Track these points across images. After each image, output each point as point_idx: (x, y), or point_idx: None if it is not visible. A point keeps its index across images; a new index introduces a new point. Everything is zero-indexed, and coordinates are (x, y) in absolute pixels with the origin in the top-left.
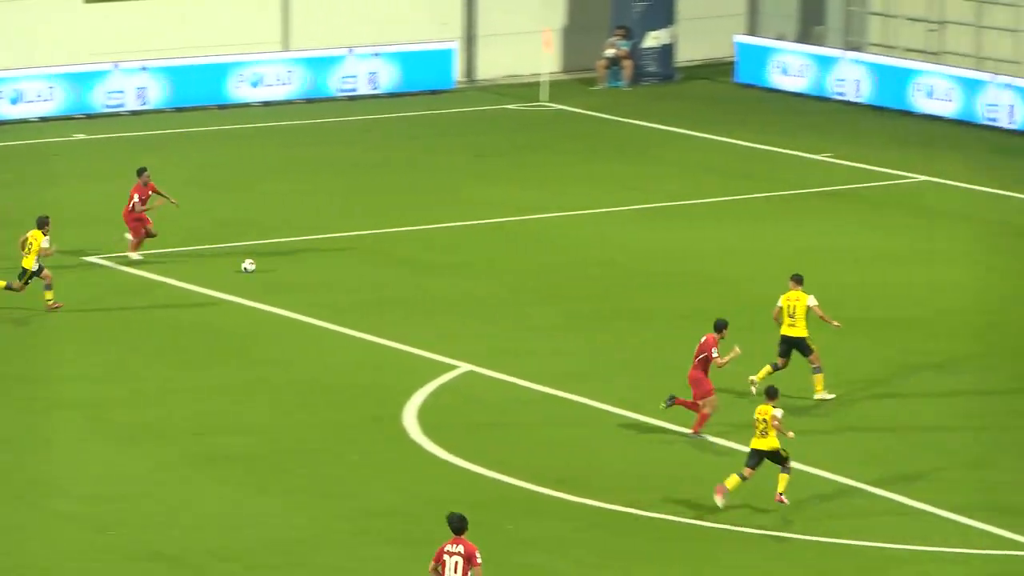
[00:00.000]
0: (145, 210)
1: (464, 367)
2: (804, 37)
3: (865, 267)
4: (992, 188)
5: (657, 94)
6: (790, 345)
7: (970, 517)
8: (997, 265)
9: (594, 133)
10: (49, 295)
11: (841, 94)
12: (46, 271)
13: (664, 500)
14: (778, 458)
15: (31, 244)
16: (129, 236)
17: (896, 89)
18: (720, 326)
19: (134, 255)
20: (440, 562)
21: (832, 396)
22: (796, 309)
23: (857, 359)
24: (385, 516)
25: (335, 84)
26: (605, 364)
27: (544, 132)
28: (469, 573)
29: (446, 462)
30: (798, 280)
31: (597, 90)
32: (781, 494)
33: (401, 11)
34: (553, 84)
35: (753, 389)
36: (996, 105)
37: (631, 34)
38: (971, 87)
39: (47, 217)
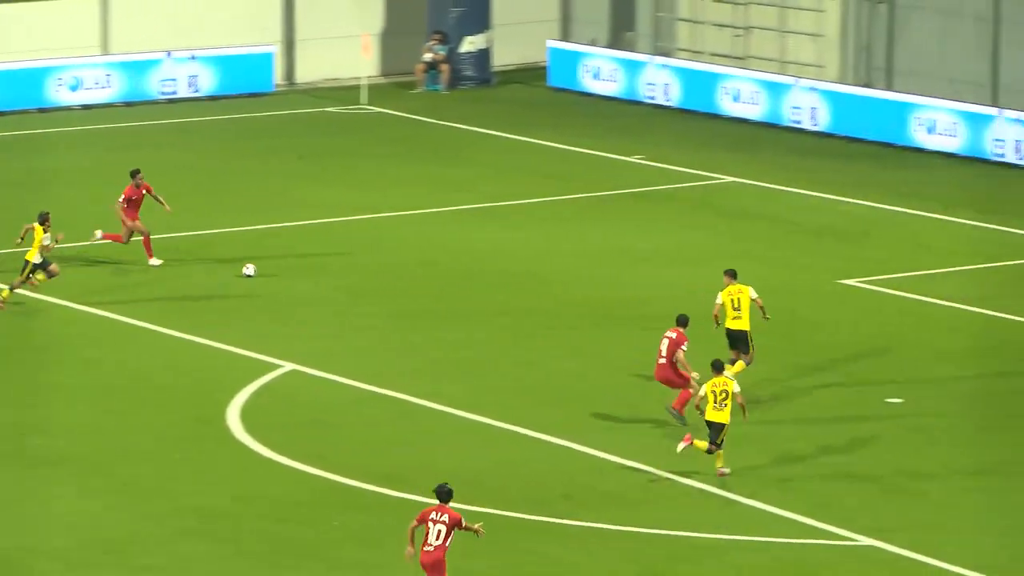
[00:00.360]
0: (125, 208)
1: (288, 366)
2: (615, 43)
3: (675, 266)
4: (797, 188)
5: (474, 97)
6: (735, 337)
7: (771, 504)
8: (800, 263)
9: (413, 135)
10: (6, 293)
11: (651, 98)
12: (53, 265)
13: (486, 495)
14: (718, 433)
15: (34, 238)
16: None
17: (704, 93)
18: (685, 321)
19: (154, 262)
20: (424, 525)
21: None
22: (741, 302)
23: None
24: (207, 514)
25: (155, 87)
26: (429, 362)
27: (365, 134)
28: (448, 538)
29: (270, 460)
30: (732, 275)
31: (415, 93)
32: (723, 468)
33: (220, 15)
34: (372, 87)
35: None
36: (800, 108)
37: (448, 39)
38: (776, 91)
39: (47, 213)
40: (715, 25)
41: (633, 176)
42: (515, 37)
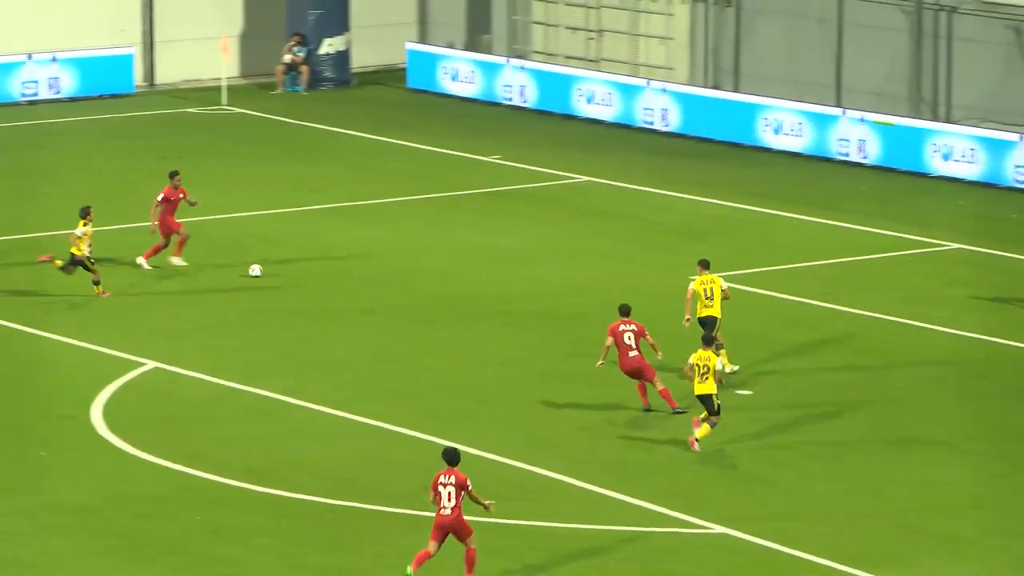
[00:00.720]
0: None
1: (151, 364)
2: (472, 45)
3: (533, 263)
4: (650, 187)
5: (334, 98)
6: (707, 324)
7: (627, 494)
8: (652, 260)
9: (274, 136)
10: (99, 289)
11: (508, 99)
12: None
13: (350, 489)
14: (709, 403)
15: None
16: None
17: (559, 94)
18: (629, 310)
19: (176, 260)
20: (436, 492)
21: (736, 367)
22: (713, 291)
23: (530, 350)
24: (73, 511)
25: (16, 89)
26: (292, 359)
27: (225, 135)
28: (462, 498)
29: (134, 457)
30: (705, 264)
31: (276, 94)
32: (696, 439)
33: (81, 17)
34: (233, 88)
35: (729, 369)
36: (651, 109)
37: (307, 41)
38: (628, 92)
39: (88, 207)
40: (569, 28)
41: (491, 176)
42: (373, 39)
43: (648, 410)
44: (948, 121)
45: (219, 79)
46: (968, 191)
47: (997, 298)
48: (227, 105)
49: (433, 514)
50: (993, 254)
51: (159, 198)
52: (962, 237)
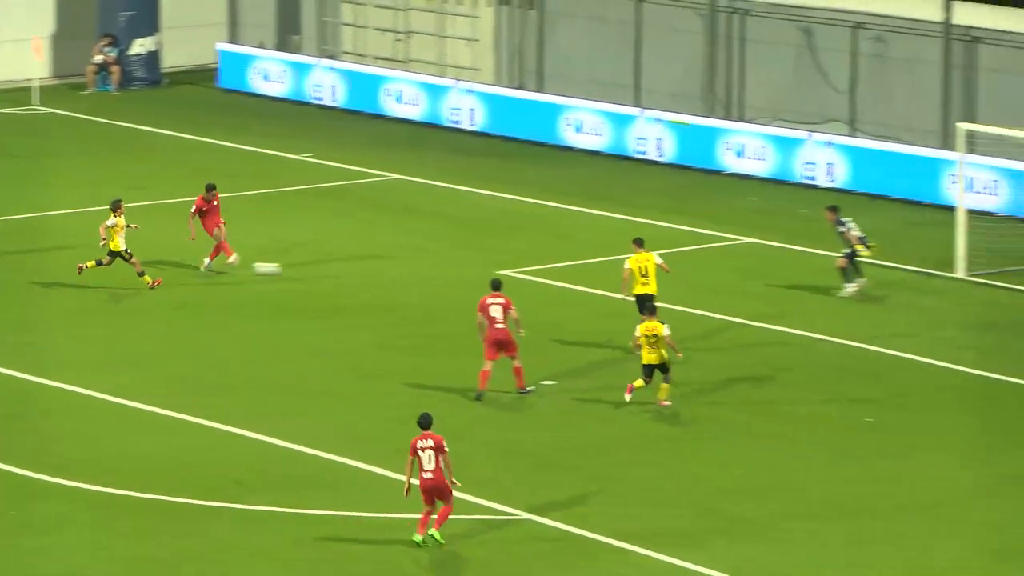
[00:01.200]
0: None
1: None
2: (282, 45)
3: (345, 259)
4: (457, 185)
5: (145, 98)
6: (644, 301)
7: None
8: (459, 255)
9: (86, 135)
10: (148, 279)
11: (319, 99)
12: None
13: (158, 482)
14: (664, 368)
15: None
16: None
17: (368, 94)
18: (499, 284)
19: (206, 262)
20: (416, 457)
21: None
22: (648, 268)
23: (341, 343)
24: None
25: None
26: (102, 354)
27: (37, 135)
28: (441, 460)
29: None
30: (640, 243)
31: (87, 94)
32: (663, 400)
33: None
34: (44, 89)
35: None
36: (458, 109)
37: (118, 41)
38: (435, 92)
39: (119, 200)
40: (377, 30)
41: (302, 174)
42: (184, 40)
43: (479, 398)
44: (740, 120)
45: (30, 80)
46: (760, 187)
47: (792, 286)
48: (39, 105)
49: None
50: (784, 247)
51: (193, 209)
52: (754, 232)
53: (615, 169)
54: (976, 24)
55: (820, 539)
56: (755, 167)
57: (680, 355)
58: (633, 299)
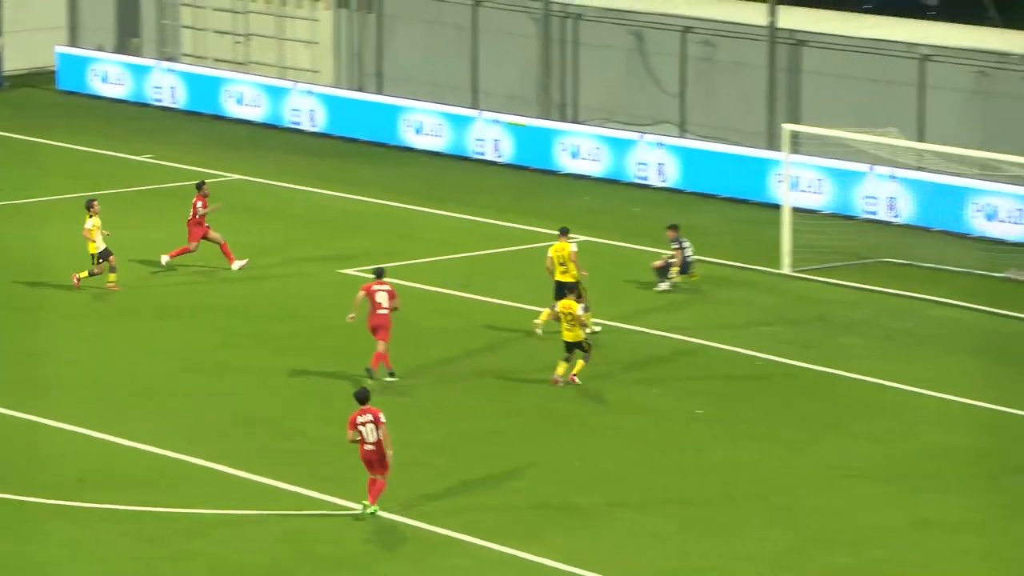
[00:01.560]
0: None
1: None
2: (122, 48)
3: (185, 258)
4: (299, 185)
5: None
6: (562, 288)
7: (275, 479)
8: (303, 254)
9: None
10: (112, 277)
11: (159, 100)
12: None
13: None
14: (581, 347)
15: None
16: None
17: (209, 96)
18: (382, 272)
19: (166, 258)
20: (356, 430)
21: (599, 329)
22: (564, 258)
23: (184, 342)
24: None
25: None
26: None
27: None
28: (379, 431)
29: None
30: (564, 232)
31: None
32: (574, 375)
33: None
34: None
35: (539, 331)
36: (299, 110)
37: None
38: (276, 94)
39: (94, 199)
40: (217, 32)
41: (145, 175)
42: (23, 43)
43: (370, 374)
44: (575, 122)
45: None
46: (594, 187)
47: (627, 282)
48: None
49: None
50: (619, 245)
51: (197, 206)
52: (589, 230)
53: (454, 169)
54: (800, 28)
55: (653, 528)
56: (589, 167)
57: (597, 329)
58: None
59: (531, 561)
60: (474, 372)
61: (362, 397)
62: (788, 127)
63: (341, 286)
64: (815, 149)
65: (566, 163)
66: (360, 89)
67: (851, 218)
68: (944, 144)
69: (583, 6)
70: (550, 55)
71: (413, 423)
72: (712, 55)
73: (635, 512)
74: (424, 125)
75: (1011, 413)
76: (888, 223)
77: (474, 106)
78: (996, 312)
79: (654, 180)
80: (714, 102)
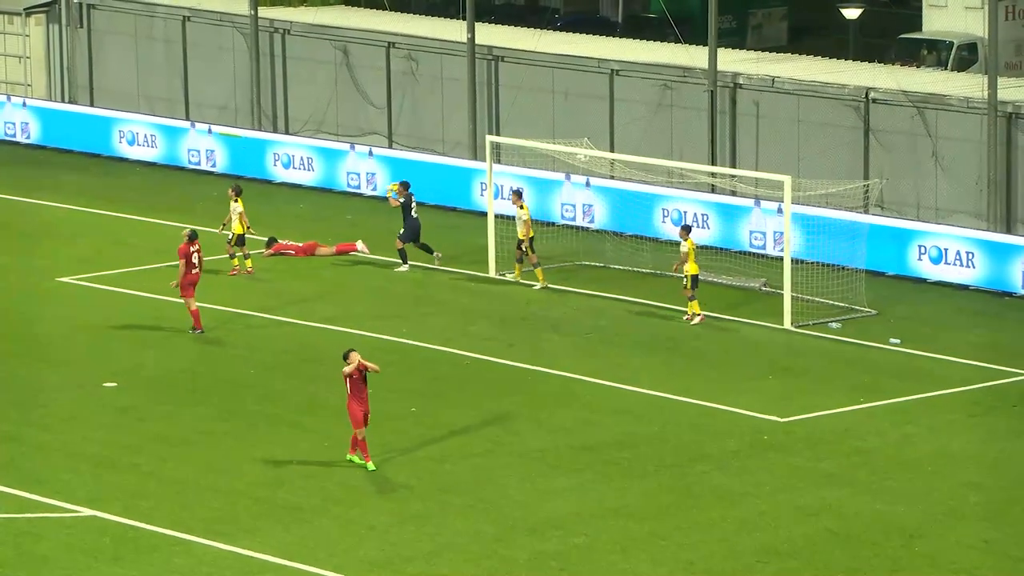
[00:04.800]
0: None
1: None
2: None
3: None
4: (14, 196)
5: None
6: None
7: (6, 486)
8: (21, 264)
9: None
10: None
11: None
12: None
13: None
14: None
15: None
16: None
17: None
18: (195, 235)
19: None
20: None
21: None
22: None
23: None
24: None
25: None
26: None
27: None
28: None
29: None
30: (519, 193)
31: None
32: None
33: None
34: None
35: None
36: (12, 123)
37: None
38: None
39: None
40: None
41: None
42: None
43: (196, 331)
44: (287, 132)
45: None
46: (307, 195)
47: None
48: None
49: None
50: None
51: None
52: (307, 237)
53: (169, 179)
54: (498, 44)
55: (368, 521)
56: (303, 177)
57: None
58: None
59: (250, 557)
60: (179, 375)
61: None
62: (491, 138)
63: (59, 294)
64: (515, 159)
65: (279, 173)
66: (72, 102)
67: (551, 224)
68: (633, 154)
69: (290, 21)
70: (259, 68)
71: (122, 426)
72: (416, 70)
73: (349, 507)
74: (138, 136)
75: (690, 403)
76: (584, 228)
77: (187, 118)
78: (678, 310)
79: (365, 190)
80: (420, 114)
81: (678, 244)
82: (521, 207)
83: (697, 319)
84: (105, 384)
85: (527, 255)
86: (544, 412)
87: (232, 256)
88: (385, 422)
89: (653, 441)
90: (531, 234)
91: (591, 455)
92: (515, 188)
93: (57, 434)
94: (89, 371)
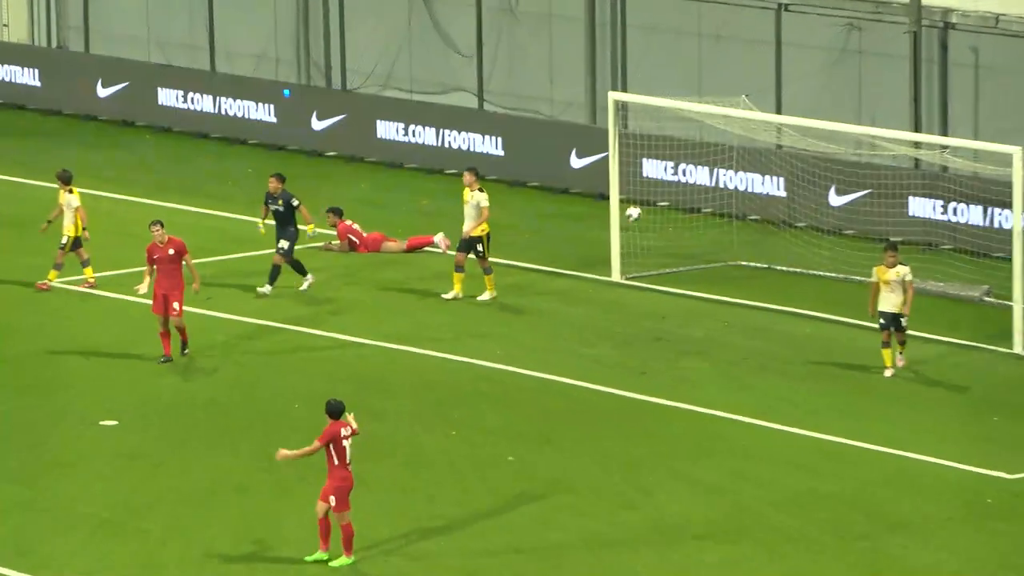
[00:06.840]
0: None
1: None
2: None
3: None
4: None
5: None
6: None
7: None
8: None
9: None
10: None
11: None
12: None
13: None
14: None
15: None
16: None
17: None
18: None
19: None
20: (339, 445)
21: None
22: None
23: None
24: None
25: None
26: None
27: None
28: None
29: None
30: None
31: None
32: None
33: None
34: None
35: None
36: None
37: None
38: None
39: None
40: None
41: None
42: None
43: (166, 360)
44: (343, 89)
45: None
46: (370, 172)
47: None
48: None
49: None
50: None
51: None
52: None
53: (189, 149)
54: None
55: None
56: None
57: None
58: None
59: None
60: (214, 407)
61: (339, 409)
62: (614, 96)
63: (47, 300)
64: (648, 123)
65: None
66: (62, 47)
67: (695, 211)
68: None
69: None
70: (309, 6)
71: (123, 478)
72: (515, 5)
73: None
74: None
75: (885, 452)
76: (739, 217)
77: (213, 70)
78: (866, 327)
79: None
80: (520, 65)
81: (862, 241)
82: (480, 190)
83: (900, 362)
84: (102, 423)
85: (484, 257)
86: (685, 463)
87: (59, 267)
88: (471, 472)
89: (834, 503)
90: (487, 229)
91: (749, 521)
92: (470, 166)
93: (44, 489)
94: (87, 404)
